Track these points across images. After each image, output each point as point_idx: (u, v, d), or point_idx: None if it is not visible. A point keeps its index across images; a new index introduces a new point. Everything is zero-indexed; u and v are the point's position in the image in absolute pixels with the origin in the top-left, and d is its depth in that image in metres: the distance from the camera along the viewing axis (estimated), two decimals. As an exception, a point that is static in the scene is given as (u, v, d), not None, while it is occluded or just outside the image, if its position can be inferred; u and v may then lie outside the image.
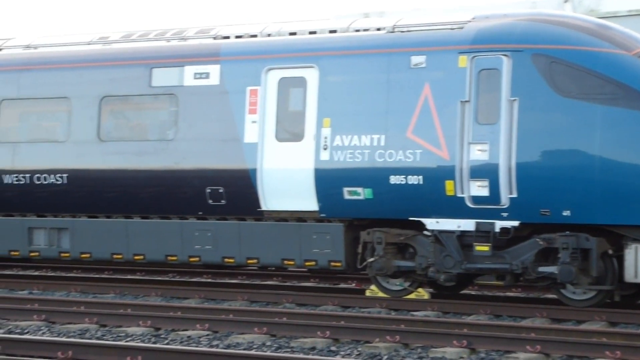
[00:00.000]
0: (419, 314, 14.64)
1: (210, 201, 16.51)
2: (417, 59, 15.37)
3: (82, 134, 17.45)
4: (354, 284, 18.23)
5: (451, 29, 15.41)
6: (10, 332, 12.69)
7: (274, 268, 18.95)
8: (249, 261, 16.48)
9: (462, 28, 15.32)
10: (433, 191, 15.04)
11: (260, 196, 16.13)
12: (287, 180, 15.98)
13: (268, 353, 11.09)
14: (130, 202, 17.10)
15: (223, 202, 16.43)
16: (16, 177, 17.71)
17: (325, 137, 15.76)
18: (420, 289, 15.91)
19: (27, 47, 18.56)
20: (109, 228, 17.21)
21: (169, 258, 16.92)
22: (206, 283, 18.41)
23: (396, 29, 15.80)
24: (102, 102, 17.40)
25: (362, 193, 15.51)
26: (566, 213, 14.46)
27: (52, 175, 17.51)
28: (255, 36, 16.94)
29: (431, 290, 16.26)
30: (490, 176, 14.73)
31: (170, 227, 16.84)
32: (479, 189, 14.82)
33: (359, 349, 11.70)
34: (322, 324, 12.67)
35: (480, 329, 12.59)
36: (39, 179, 17.59)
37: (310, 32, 16.52)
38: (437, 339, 11.93)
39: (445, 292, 16.25)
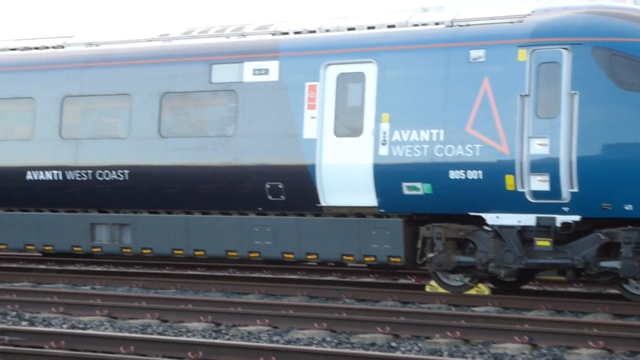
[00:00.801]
0: (480, 310, 14.57)
1: (269, 197, 16.57)
2: (476, 53, 15.29)
3: (143, 130, 17.59)
4: (413, 280, 18.19)
5: (510, 22, 15.30)
6: (73, 327, 12.84)
7: (333, 264, 18.97)
8: (309, 257, 16.51)
9: (521, 21, 15.20)
10: (493, 186, 14.96)
11: (319, 192, 16.15)
12: (345, 176, 15.98)
13: (328, 349, 11.10)
14: (190, 197, 17.21)
15: (282, 197, 16.47)
16: (79, 173, 17.91)
17: (384, 132, 15.73)
18: (480, 285, 15.83)
19: (90, 44, 18.75)
20: (169, 224, 17.34)
21: (229, 253, 17.01)
22: (266, 278, 18.48)
23: (455, 23, 15.72)
24: (162, 98, 17.52)
25: (422, 188, 15.47)
26: (628, 207, 14.30)
27: (113, 172, 17.67)
28: (314, 32, 16.96)
29: (491, 285, 16.17)
30: (551, 170, 14.61)
31: (230, 223, 16.92)
32: (539, 183, 14.71)
33: (419, 345, 11.68)
34: (382, 319, 12.67)
35: (541, 325, 12.50)
36: (101, 175, 17.76)
37: (369, 27, 16.50)
38: (498, 334, 11.87)
39: (505, 288, 16.16)
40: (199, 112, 17.66)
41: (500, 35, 15.25)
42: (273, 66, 16.72)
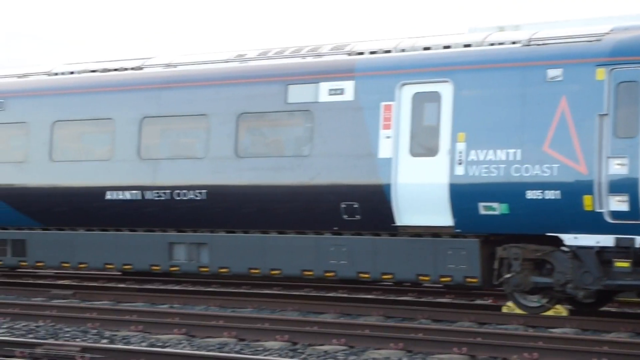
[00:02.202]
0: (558, 331, 14.42)
1: (345, 216, 16.60)
2: (554, 72, 15.18)
3: (220, 150, 17.75)
4: (490, 300, 18.06)
5: (589, 41, 15.17)
6: (152, 345, 12.97)
7: (409, 284, 18.92)
8: (384, 276, 16.50)
9: (599, 40, 15.07)
10: (571, 206, 14.82)
11: (394, 211, 16.14)
12: (421, 196, 15.95)
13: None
14: (266, 217, 17.31)
15: (358, 217, 16.49)
16: (157, 193, 18.12)
17: (460, 152, 15.68)
18: (558, 306, 15.67)
19: (167, 65, 19.00)
20: (246, 243, 17.45)
21: (305, 273, 17.07)
22: (342, 298, 18.48)
23: (532, 42, 15.64)
24: (239, 118, 17.68)
25: (498, 208, 15.38)
26: None
27: (191, 191, 17.85)
28: (389, 51, 16.99)
29: (570, 307, 16.00)
30: (630, 190, 14.43)
31: (306, 242, 16.98)
32: (618, 203, 14.54)
33: (497, 366, 11.59)
34: (458, 340, 12.60)
35: (620, 347, 12.32)
36: (178, 195, 17.95)
37: (445, 47, 16.49)
38: (576, 356, 11.74)
39: (584, 309, 15.97)
40: (275, 132, 17.78)
41: (578, 54, 15.13)
42: (349, 86, 16.78)
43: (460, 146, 15.69)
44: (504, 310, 16.10)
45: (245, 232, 17.58)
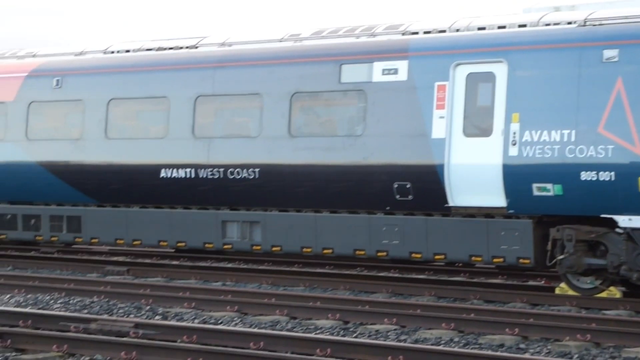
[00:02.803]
0: (611, 313, 14.33)
1: (397, 196, 16.60)
2: (610, 53, 15.03)
3: (273, 129, 17.81)
4: (543, 282, 17.98)
5: (646, 21, 14.99)
6: (205, 322, 13.09)
7: (461, 264, 18.89)
8: (436, 257, 16.49)
9: (657, 20, 14.89)
10: (625, 188, 14.69)
11: (447, 192, 16.10)
12: (474, 176, 15.89)
13: (456, 349, 11.08)
14: (319, 196, 17.36)
15: (410, 197, 16.48)
16: (211, 171, 18.24)
17: (514, 133, 15.60)
18: (612, 288, 15.56)
19: (222, 44, 19.08)
20: (299, 222, 17.52)
21: (357, 252, 17.10)
22: (393, 278, 18.50)
23: (588, 23, 15.49)
24: (292, 98, 17.72)
25: (552, 189, 15.29)
26: None
27: (244, 170, 17.94)
28: (443, 31, 16.92)
29: (623, 288, 15.88)
30: (687, 172, 14.28)
31: (358, 222, 17.01)
32: (674, 185, 14.39)
33: (549, 347, 11.56)
34: (510, 321, 12.58)
35: (674, 330, 12.22)
36: (232, 173, 18.05)
37: (500, 27, 16.39)
38: (630, 338, 11.67)
39: (638, 291, 15.84)
40: (328, 112, 17.79)
41: (634, 35, 14.96)
42: (402, 66, 16.74)
43: (514, 127, 15.60)
44: (557, 291, 16.03)
45: (298, 211, 17.64)
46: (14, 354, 10.61)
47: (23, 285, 15.99)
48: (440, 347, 10.91)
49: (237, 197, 18.07)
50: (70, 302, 14.55)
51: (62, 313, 12.86)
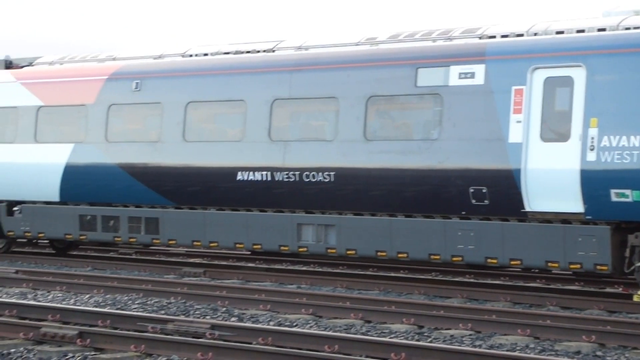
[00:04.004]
0: (690, 322, 14.09)
1: (473, 201, 16.52)
2: (691, 57, 14.81)
3: (348, 133, 17.84)
4: (620, 289, 17.76)
5: None
6: (280, 324, 13.15)
7: (537, 270, 18.74)
8: (512, 262, 16.38)
9: None
10: None
11: (524, 197, 15.99)
12: (551, 181, 15.76)
13: (532, 355, 11.00)
14: (394, 200, 17.35)
15: (486, 202, 16.40)
16: (287, 174, 18.33)
17: (592, 138, 15.44)
18: (691, 296, 15.33)
19: (299, 48, 19.16)
20: (373, 225, 17.52)
21: (432, 257, 17.06)
22: (469, 283, 18.42)
23: (669, 27, 15.27)
24: (368, 101, 17.73)
25: (631, 195, 15.10)
26: None
27: (320, 173, 17.99)
28: (521, 35, 16.81)
29: (703, 297, 15.63)
30: None
31: (433, 226, 16.96)
32: None
33: (626, 355, 11.42)
34: (587, 328, 12.45)
35: None
36: (307, 176, 18.12)
37: (578, 31, 16.24)
38: None
39: None
40: (403, 116, 17.78)
41: None
42: (479, 70, 16.66)
43: (593, 132, 15.44)
44: (635, 299, 15.81)
45: (373, 215, 17.65)
46: (92, 353, 10.76)
47: (102, 286, 16.24)
48: (516, 354, 10.83)
49: (313, 200, 18.13)
50: (148, 302, 14.72)
51: (139, 313, 13.02)
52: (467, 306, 14.75)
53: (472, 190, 16.50)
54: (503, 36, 16.94)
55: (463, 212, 16.69)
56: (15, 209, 21.64)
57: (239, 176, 18.76)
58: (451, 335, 12.45)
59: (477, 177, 16.46)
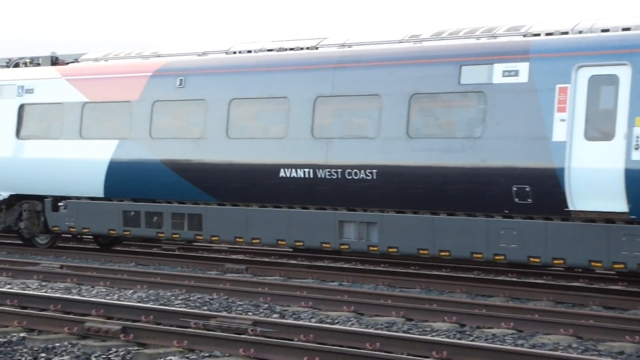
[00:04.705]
0: None
1: (516, 199, 16.45)
2: None
3: (391, 130, 17.83)
4: (665, 289, 17.62)
5: None
6: (321, 321, 13.18)
7: (580, 269, 18.63)
8: (555, 261, 16.30)
9: None
10: None
11: (567, 196, 15.91)
12: (595, 181, 15.66)
13: (575, 355, 10.95)
14: (436, 198, 17.32)
15: (529, 200, 16.32)
16: (329, 171, 18.35)
17: (637, 137, 15.32)
18: None
19: (342, 45, 19.18)
20: (416, 224, 17.50)
21: (474, 255, 17.01)
22: (511, 282, 18.34)
23: None
24: (411, 99, 17.71)
25: (676, 195, 14.96)
26: None
27: (362, 171, 18.00)
28: (566, 33, 16.71)
29: None
30: None
31: (476, 225, 16.92)
32: None
33: (670, 356, 11.34)
34: (630, 328, 12.36)
35: None
36: (350, 174, 18.13)
37: (624, 29, 16.11)
38: None
39: None
40: (446, 113, 17.73)
41: None
42: (523, 68, 16.59)
43: (637, 131, 15.33)
44: (679, 299, 15.68)
45: (415, 213, 17.63)
46: (136, 348, 10.84)
47: (145, 281, 16.35)
48: (559, 353, 10.78)
49: (355, 197, 18.14)
50: (191, 298, 14.80)
51: (182, 309, 13.10)
52: (509, 305, 14.70)
53: (515, 189, 16.44)
54: (547, 34, 16.85)
55: (506, 211, 16.62)
56: (60, 204, 21.86)
57: (282, 173, 18.81)
58: (493, 334, 12.41)
59: (520, 176, 16.39)
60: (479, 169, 16.83)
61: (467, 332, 12.62)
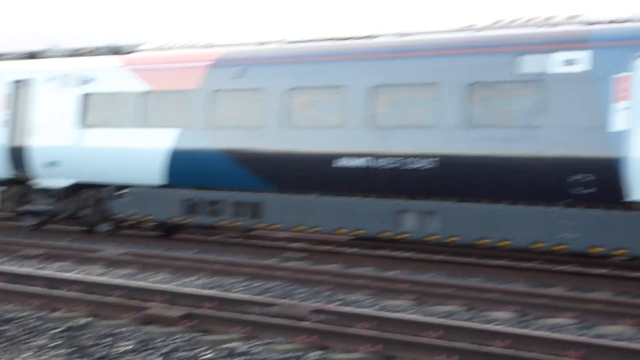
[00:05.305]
0: None
1: (576, 189, 16.37)
2: None
3: (450, 119, 17.82)
4: None
5: None
6: (382, 310, 13.23)
7: (642, 259, 18.50)
8: (617, 252, 16.20)
9: None
10: None
11: (627, 185, 15.79)
12: (657, 170, 15.54)
13: (637, 345, 10.89)
14: (496, 187, 17.28)
15: (589, 190, 16.23)
16: (388, 160, 18.38)
17: (700, 126, 15.17)
18: None
19: (399, 34, 19.18)
20: (475, 213, 17.48)
21: (534, 245, 16.96)
22: (572, 272, 18.26)
23: None
24: (469, 88, 17.68)
25: None
26: None
27: (421, 160, 18.00)
28: (626, 21, 16.57)
29: None
30: None
31: (535, 215, 16.86)
32: None
33: None
34: (695, 319, 12.28)
35: None
36: (408, 163, 18.14)
37: (687, 17, 15.96)
38: None
39: None
40: (505, 103, 17.67)
41: None
42: (582, 57, 16.48)
43: (701, 120, 15.17)
44: None
45: (475, 202, 17.60)
46: (198, 334, 10.97)
47: (207, 269, 16.51)
48: (624, 343, 10.73)
49: (414, 186, 18.16)
50: (252, 285, 14.92)
51: (244, 296, 13.21)
52: (571, 295, 14.63)
53: (574, 179, 16.36)
54: (608, 22, 16.71)
55: (566, 200, 16.55)
56: (122, 192, 22.11)
57: (341, 162, 18.88)
58: (555, 324, 12.38)
59: (580, 166, 16.31)
60: (538, 158, 16.77)
61: (529, 322, 12.60)
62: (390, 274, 17.47)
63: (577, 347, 10.01)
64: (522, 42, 17.26)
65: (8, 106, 23.82)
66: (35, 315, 11.61)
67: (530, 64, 17.02)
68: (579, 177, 16.26)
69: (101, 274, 16.12)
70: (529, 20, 17.72)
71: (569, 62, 16.58)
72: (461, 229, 17.61)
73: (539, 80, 16.88)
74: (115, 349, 10.13)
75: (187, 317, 11.36)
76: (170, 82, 21.42)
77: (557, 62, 16.71)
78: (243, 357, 9.89)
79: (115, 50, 23.24)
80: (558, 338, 10.42)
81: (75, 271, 16.45)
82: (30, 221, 24.26)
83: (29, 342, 10.43)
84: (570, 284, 16.27)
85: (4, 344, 10.35)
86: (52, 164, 22.86)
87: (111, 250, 19.47)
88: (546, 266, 19.13)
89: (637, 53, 15.88)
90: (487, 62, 17.53)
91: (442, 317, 12.79)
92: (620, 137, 15.87)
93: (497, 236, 17.23)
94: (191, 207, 20.93)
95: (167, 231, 23.75)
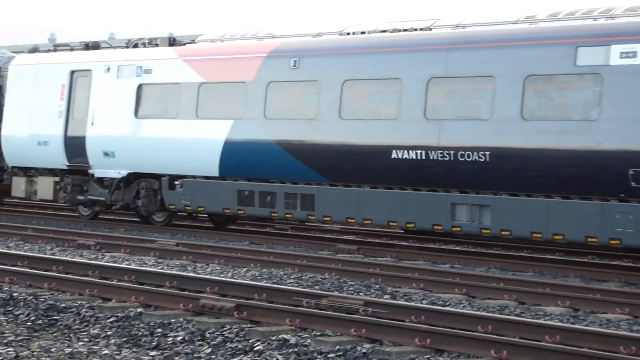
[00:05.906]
0: None
1: (633, 183, 16.17)
2: None
3: (505, 112, 17.68)
4: None
5: None
6: (433, 303, 13.18)
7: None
8: (673, 246, 16.01)
9: None
10: None
11: (685, 179, 15.59)
12: None
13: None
14: (550, 181, 17.13)
15: (646, 184, 16.04)
16: (441, 153, 18.29)
17: None
18: None
19: (456, 26, 19.06)
20: (529, 206, 17.34)
21: (589, 239, 16.78)
22: (626, 267, 18.05)
23: None
24: (525, 81, 17.52)
25: None
26: None
27: (475, 153, 17.89)
28: (687, 14, 16.34)
29: None
30: None
31: (590, 208, 16.68)
32: None
33: None
34: None
35: None
36: (462, 156, 18.04)
37: None
38: None
39: None
40: (561, 95, 17.51)
41: None
42: (642, 49, 16.27)
43: None
44: None
45: (528, 196, 17.46)
46: (249, 325, 11.00)
47: (258, 260, 16.56)
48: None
49: (467, 179, 18.05)
50: (303, 277, 14.94)
51: (295, 288, 13.23)
52: (624, 290, 14.48)
53: (631, 172, 16.16)
54: (668, 14, 16.49)
55: (622, 195, 16.35)
56: (176, 183, 22.25)
57: (394, 154, 18.82)
58: (607, 319, 12.25)
59: (637, 159, 16.10)
60: (595, 151, 16.59)
61: (581, 317, 12.48)
62: (442, 267, 17.40)
63: (628, 343, 9.88)
64: (581, 34, 17.07)
65: (64, 97, 24.07)
66: (88, 305, 11.72)
67: (588, 56, 16.84)
68: (637, 170, 16.05)
69: (154, 265, 16.23)
70: (587, 12, 17.52)
71: (628, 55, 16.37)
72: (514, 223, 17.48)
73: (597, 72, 16.69)
74: (166, 339, 10.18)
75: (238, 308, 11.39)
76: (225, 74, 21.49)
77: (615, 55, 16.51)
78: (293, 349, 9.89)
79: (172, 42, 23.37)
80: (608, 333, 10.29)
81: (128, 261, 16.59)
82: (85, 211, 24.51)
83: (81, 332, 10.53)
84: (624, 279, 16.08)
85: (57, 333, 10.46)
86: (108, 154, 23.07)
87: (164, 240, 19.60)
88: (599, 261, 18.94)
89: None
90: (544, 54, 17.37)
91: (493, 311, 12.71)
92: (679, 130, 15.65)
93: (550, 230, 17.07)
94: (244, 199, 20.99)
95: (221, 222, 23.86)
